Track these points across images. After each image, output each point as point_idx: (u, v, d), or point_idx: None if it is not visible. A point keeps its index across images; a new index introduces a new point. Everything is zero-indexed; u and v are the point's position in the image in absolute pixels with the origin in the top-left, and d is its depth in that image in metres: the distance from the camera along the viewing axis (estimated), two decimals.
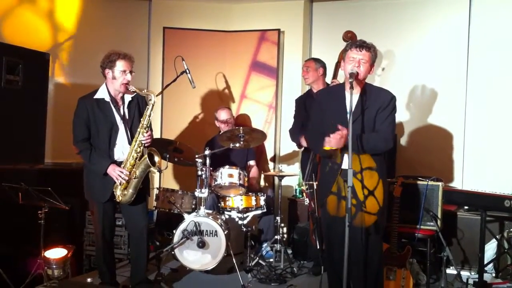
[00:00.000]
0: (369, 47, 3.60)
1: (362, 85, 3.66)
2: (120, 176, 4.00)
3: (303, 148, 5.36)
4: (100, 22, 5.96)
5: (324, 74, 5.29)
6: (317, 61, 5.29)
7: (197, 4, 6.62)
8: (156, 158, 4.11)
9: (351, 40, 4.76)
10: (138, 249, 4.30)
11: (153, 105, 4.09)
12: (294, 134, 5.35)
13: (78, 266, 5.19)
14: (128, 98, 4.18)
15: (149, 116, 4.09)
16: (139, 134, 4.06)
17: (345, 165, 3.54)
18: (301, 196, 6.07)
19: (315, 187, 4.73)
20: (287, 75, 6.51)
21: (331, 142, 3.47)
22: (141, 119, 4.10)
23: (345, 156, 3.53)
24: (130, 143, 4.10)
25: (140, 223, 4.24)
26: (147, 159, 4.00)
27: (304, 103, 5.34)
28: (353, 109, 3.50)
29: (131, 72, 4.08)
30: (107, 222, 4.22)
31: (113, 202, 4.15)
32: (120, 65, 4.03)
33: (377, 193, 3.60)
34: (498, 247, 4.94)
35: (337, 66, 5.21)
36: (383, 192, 3.64)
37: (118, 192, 4.06)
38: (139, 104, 4.23)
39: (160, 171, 5.19)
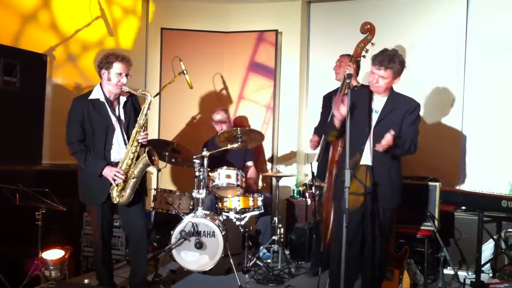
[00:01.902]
0: (388, 66, 3.67)
1: (388, 92, 3.80)
2: (117, 177, 3.99)
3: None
4: (98, 23, 5.95)
5: (356, 73, 5.15)
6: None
7: (195, 5, 6.63)
8: (154, 157, 4.11)
9: (365, 34, 4.75)
10: (138, 250, 4.28)
11: (149, 105, 4.07)
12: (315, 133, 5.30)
13: (76, 267, 5.19)
14: (123, 98, 4.16)
15: (146, 115, 4.08)
16: (136, 133, 4.04)
17: (364, 161, 3.73)
18: (299, 196, 6.08)
19: (313, 189, 4.75)
20: (285, 76, 6.51)
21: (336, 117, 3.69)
22: (138, 119, 4.08)
23: (364, 154, 3.73)
24: (126, 144, 4.09)
25: (138, 224, 4.22)
26: (146, 157, 4.00)
27: (330, 100, 5.27)
28: (379, 110, 3.75)
29: (127, 75, 4.05)
30: (106, 223, 4.20)
31: (111, 203, 4.13)
32: (117, 67, 4.01)
33: (359, 175, 3.75)
34: (496, 247, 4.95)
35: (350, 60, 5.03)
36: (366, 174, 3.75)
37: (114, 193, 4.04)
38: (134, 105, 4.22)
39: (159, 170, 5.19)
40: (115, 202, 4.07)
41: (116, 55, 4.05)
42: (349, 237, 3.50)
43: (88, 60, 5.76)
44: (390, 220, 3.87)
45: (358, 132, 3.67)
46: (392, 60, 3.67)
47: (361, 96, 3.84)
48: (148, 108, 4.08)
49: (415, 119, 3.79)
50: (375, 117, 3.77)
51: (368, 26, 4.92)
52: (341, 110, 3.61)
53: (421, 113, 5.69)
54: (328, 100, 5.32)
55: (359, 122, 3.69)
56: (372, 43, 4.72)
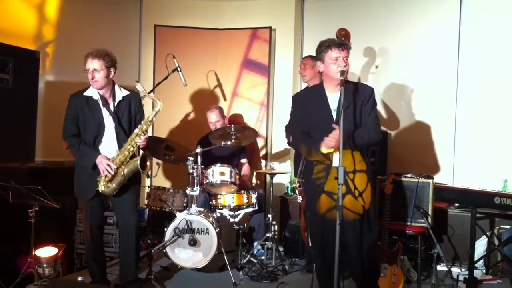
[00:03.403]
0: (348, 46, 3.66)
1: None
2: (107, 170, 4.00)
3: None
4: (91, 20, 5.93)
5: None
6: (315, 58, 5.26)
7: (188, 1, 6.61)
8: (147, 163, 4.10)
9: (339, 39, 4.74)
10: (127, 247, 4.28)
11: (157, 112, 4.10)
12: (288, 131, 5.33)
13: (69, 265, 5.18)
14: (119, 96, 4.17)
15: (150, 122, 4.10)
16: (136, 135, 4.05)
17: (336, 163, 3.55)
18: (292, 193, 6.09)
19: None
20: (279, 73, 6.50)
21: (331, 143, 3.49)
22: (142, 122, 4.09)
23: (335, 154, 3.55)
24: (117, 142, 4.11)
25: (129, 221, 4.22)
26: (138, 162, 3.99)
27: (299, 100, 5.32)
28: (336, 107, 3.63)
29: (96, 70, 4.01)
30: (95, 219, 4.21)
31: (100, 199, 4.16)
32: (86, 64, 4.04)
33: (365, 195, 3.64)
34: (489, 243, 4.96)
35: None
36: (370, 195, 3.67)
37: (101, 182, 4.06)
38: (130, 104, 4.21)
39: (149, 176, 5.18)
40: (100, 190, 4.08)
41: (86, 54, 4.07)
42: (328, 240, 3.53)
43: (82, 57, 5.74)
44: (369, 216, 3.73)
45: (320, 132, 3.59)
46: (347, 43, 3.70)
47: (317, 94, 3.77)
48: (155, 116, 4.10)
49: (372, 107, 3.69)
50: (333, 114, 3.66)
51: (344, 32, 5.02)
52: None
53: (415, 110, 5.82)
54: (297, 100, 5.36)
55: (319, 122, 3.61)
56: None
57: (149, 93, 4.54)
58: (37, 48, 5.15)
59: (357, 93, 3.67)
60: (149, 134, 6.05)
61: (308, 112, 3.78)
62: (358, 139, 3.58)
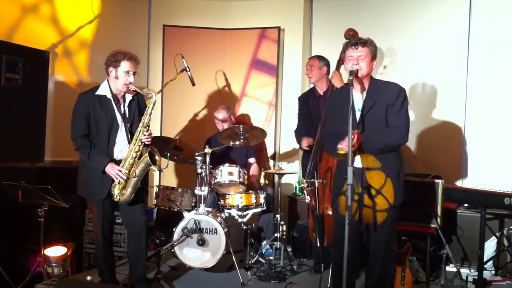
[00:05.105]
0: (365, 42, 3.61)
1: (367, 82, 3.67)
2: (119, 175, 3.99)
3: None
4: (100, 20, 5.95)
5: (328, 72, 5.26)
6: (321, 59, 5.26)
7: (197, 1, 6.62)
8: (157, 157, 4.10)
9: (350, 39, 4.74)
10: (137, 247, 4.30)
11: (154, 104, 4.08)
12: (298, 134, 5.34)
13: (78, 264, 5.19)
14: (129, 97, 4.18)
15: (150, 115, 4.08)
16: (139, 133, 4.04)
17: (356, 164, 3.57)
18: (301, 193, 6.08)
19: (316, 184, 4.71)
20: (287, 73, 6.51)
21: (343, 146, 3.49)
22: (142, 118, 4.09)
23: (357, 156, 3.58)
24: (129, 142, 4.10)
25: (138, 222, 4.23)
26: (148, 157, 4.00)
27: (307, 101, 5.35)
28: (360, 107, 3.59)
29: (134, 73, 4.07)
30: (106, 220, 4.22)
31: (111, 200, 4.14)
32: (124, 65, 4.03)
33: (385, 192, 3.59)
34: (498, 244, 4.94)
35: (339, 63, 5.12)
36: (393, 189, 3.61)
37: (116, 191, 4.05)
38: (139, 104, 4.23)
39: (160, 170, 5.19)
40: (116, 200, 4.08)
41: (123, 53, 4.07)
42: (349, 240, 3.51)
43: (91, 57, 5.76)
44: (390, 219, 3.68)
45: (345, 132, 3.47)
46: (365, 40, 3.64)
47: (345, 95, 3.67)
48: (153, 108, 4.08)
49: (400, 107, 3.60)
50: (357, 114, 3.62)
51: (352, 32, 5.02)
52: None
53: (425, 110, 5.79)
54: (303, 101, 5.38)
55: (344, 122, 3.49)
56: None
57: (158, 92, 4.54)
58: (46, 48, 5.16)
59: (384, 93, 3.62)
60: (158, 134, 6.12)
61: (335, 115, 3.76)
62: (377, 142, 3.56)
